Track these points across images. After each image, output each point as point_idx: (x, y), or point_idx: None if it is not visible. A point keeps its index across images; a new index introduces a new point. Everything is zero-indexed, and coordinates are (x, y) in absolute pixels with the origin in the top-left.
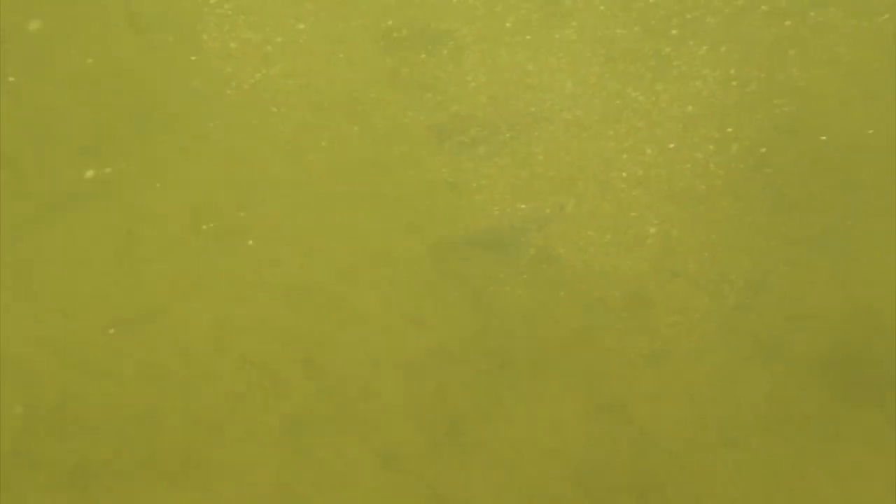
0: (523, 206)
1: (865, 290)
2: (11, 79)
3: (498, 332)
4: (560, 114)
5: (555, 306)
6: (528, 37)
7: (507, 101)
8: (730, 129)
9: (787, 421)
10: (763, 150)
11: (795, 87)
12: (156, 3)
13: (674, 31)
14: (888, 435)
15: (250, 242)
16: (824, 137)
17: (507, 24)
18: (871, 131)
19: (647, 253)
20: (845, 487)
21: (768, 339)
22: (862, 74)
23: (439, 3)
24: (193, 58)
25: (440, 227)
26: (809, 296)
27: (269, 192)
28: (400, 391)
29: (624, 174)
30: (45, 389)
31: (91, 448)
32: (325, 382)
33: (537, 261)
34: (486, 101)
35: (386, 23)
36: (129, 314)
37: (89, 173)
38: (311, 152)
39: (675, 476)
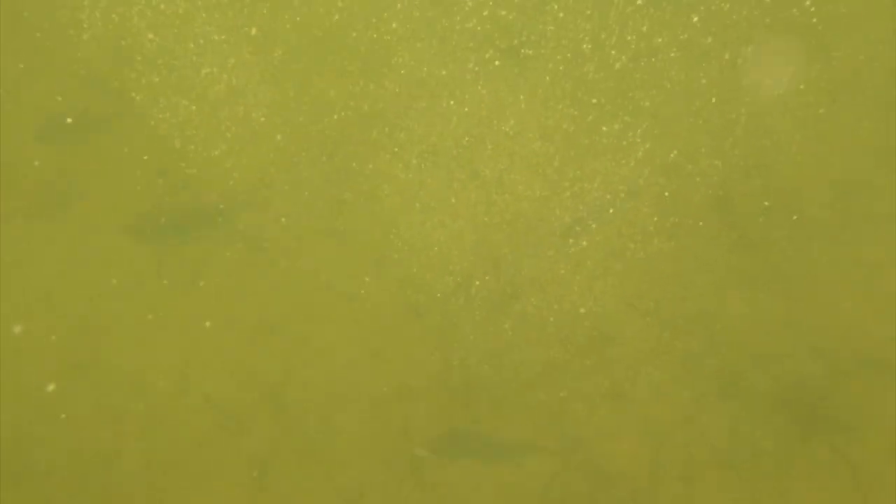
0: (487, 254)
1: (819, 330)
2: None
3: (461, 371)
4: (519, 175)
5: (518, 345)
6: (474, 123)
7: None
8: (692, 170)
9: (743, 457)
10: (721, 192)
11: (753, 136)
12: None
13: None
14: (839, 471)
15: (212, 282)
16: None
17: (449, 110)
18: (824, 175)
19: (610, 292)
20: None
21: (727, 377)
22: (814, 121)
23: None
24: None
25: (405, 267)
26: (767, 335)
27: (231, 232)
28: (364, 429)
29: (588, 217)
30: (1, 432)
31: (49, 491)
32: (288, 421)
33: (501, 300)
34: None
35: None
36: (89, 355)
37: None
38: (274, 192)
39: None
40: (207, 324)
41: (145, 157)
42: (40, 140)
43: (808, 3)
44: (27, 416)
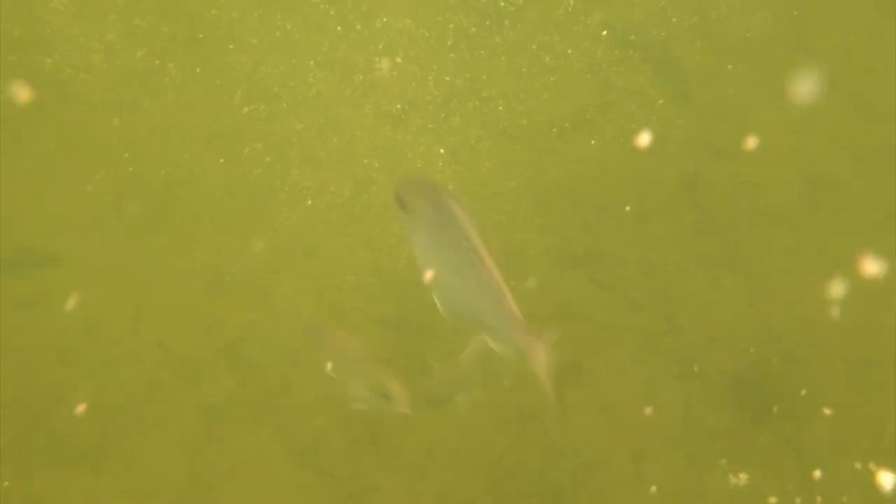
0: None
1: (775, 316)
2: None
3: (421, 336)
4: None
5: None
6: (450, 84)
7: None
8: (663, 153)
9: (694, 438)
10: (690, 175)
11: (726, 116)
12: None
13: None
14: (785, 455)
15: (174, 227)
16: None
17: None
18: (795, 166)
19: (575, 266)
20: None
21: (685, 357)
22: (790, 112)
23: None
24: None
25: (371, 226)
26: (725, 318)
27: (196, 177)
28: (320, 387)
29: (558, 190)
30: None
31: None
32: (244, 374)
33: None
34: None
35: None
36: (42, 291)
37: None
38: (242, 141)
39: (585, 486)
40: (167, 268)
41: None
42: None
43: None
44: None
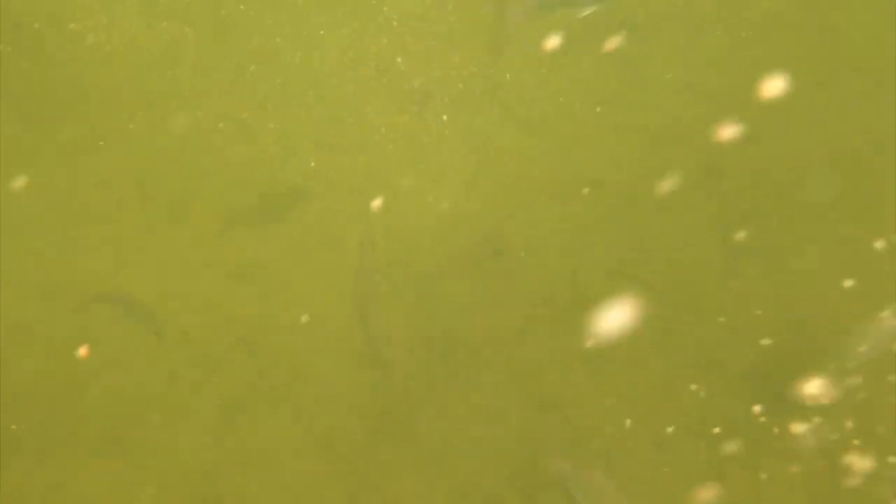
0: (477, 204)
1: (798, 306)
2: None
3: (441, 324)
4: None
5: (500, 301)
6: (472, 71)
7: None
8: (684, 140)
9: (715, 426)
10: (713, 162)
11: (746, 102)
12: None
13: None
14: (808, 445)
15: (195, 217)
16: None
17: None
18: (817, 151)
19: (596, 255)
20: (764, 494)
21: (706, 346)
22: (816, 96)
23: None
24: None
25: (391, 217)
26: (748, 307)
27: (214, 168)
28: (339, 378)
29: (578, 178)
30: None
31: (12, 418)
32: (263, 364)
33: (486, 256)
34: None
35: None
36: (66, 282)
37: (35, 136)
38: (263, 132)
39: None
40: (188, 258)
41: None
42: None
43: None
44: None
